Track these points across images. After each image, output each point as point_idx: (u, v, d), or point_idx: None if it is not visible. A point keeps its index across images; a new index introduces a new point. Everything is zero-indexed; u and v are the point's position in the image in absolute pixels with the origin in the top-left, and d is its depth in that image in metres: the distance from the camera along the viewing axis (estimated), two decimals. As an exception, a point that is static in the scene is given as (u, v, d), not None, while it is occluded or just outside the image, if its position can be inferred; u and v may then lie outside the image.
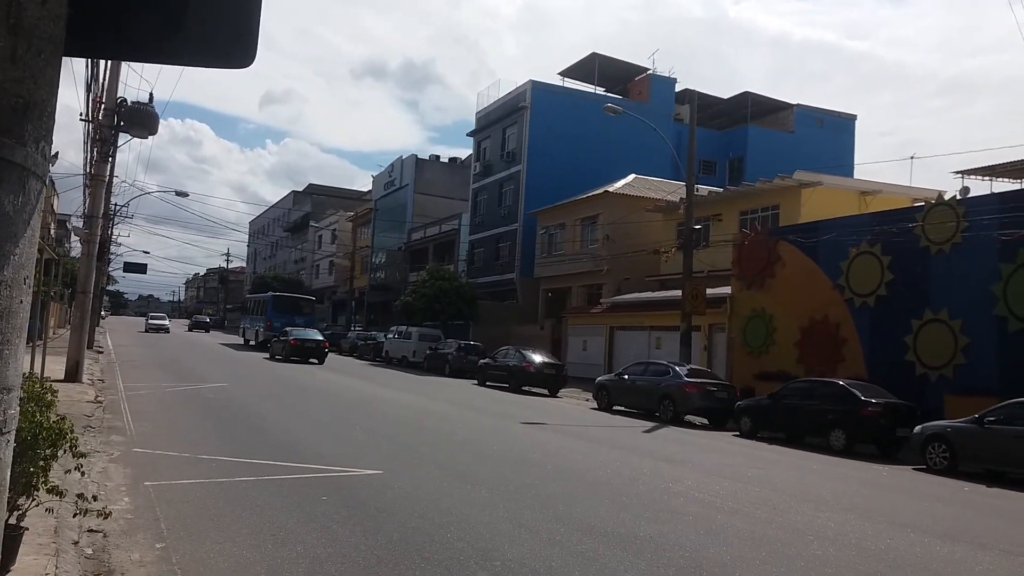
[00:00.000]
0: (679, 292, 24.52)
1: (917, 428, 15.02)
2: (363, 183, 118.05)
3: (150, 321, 58.78)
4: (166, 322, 59.41)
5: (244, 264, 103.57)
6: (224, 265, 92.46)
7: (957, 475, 13.67)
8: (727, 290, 25.98)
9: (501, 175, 45.69)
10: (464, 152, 66.94)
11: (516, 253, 43.25)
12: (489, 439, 14.01)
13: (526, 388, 26.49)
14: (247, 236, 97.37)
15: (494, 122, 46.94)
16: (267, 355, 36.00)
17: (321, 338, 34.72)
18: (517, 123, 44.45)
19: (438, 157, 63.92)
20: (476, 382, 28.86)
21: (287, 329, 34.94)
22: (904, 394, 17.62)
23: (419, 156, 60.66)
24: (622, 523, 7.75)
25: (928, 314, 19.28)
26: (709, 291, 24.63)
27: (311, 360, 33.56)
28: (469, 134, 50.75)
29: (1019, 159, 31.26)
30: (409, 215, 57.12)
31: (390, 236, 59.30)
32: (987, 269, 18.05)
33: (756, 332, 24.30)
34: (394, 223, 58.36)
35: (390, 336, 40.21)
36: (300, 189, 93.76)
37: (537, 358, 26.84)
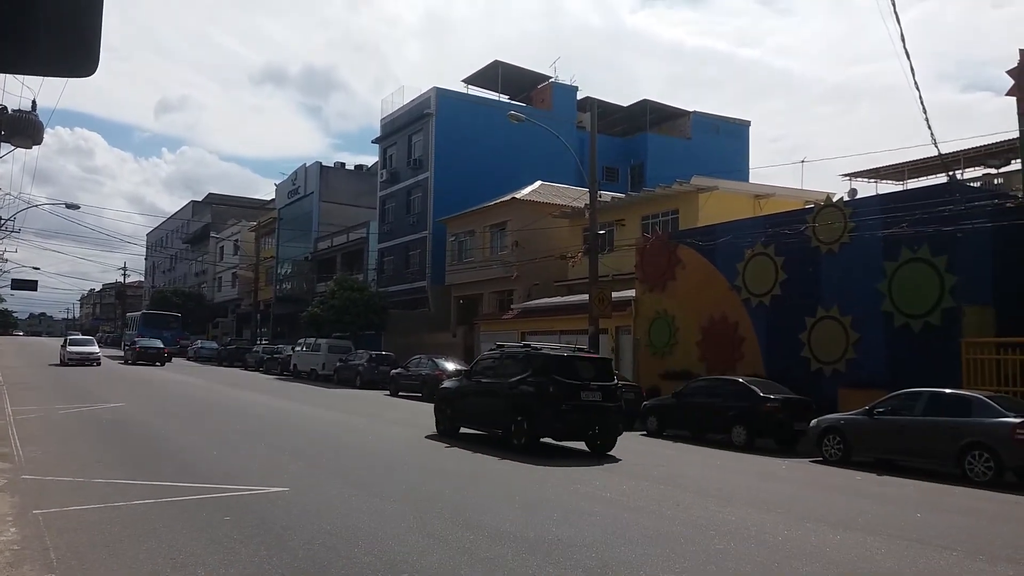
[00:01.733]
0: (587, 296, 24.92)
1: (813, 422, 15.72)
2: (266, 192, 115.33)
3: (71, 348, 39.87)
4: (95, 349, 41.09)
5: (142, 278, 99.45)
6: (121, 280, 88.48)
7: (851, 465, 14.36)
8: (632, 293, 26.57)
9: (408, 182, 45.42)
10: (370, 159, 66.28)
11: (426, 261, 43.05)
12: (400, 450, 13.90)
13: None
14: (145, 249, 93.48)
15: (400, 129, 46.65)
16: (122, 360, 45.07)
17: (162, 346, 44.53)
18: (423, 130, 44.30)
19: (343, 164, 63.04)
20: (388, 393, 28.55)
21: (135, 339, 42.76)
22: (800, 389, 18.41)
23: (324, 163, 59.64)
24: (531, 527, 7.82)
25: (821, 312, 20.21)
26: (615, 294, 25.12)
27: (155, 363, 42.69)
28: (375, 141, 50.25)
29: (900, 162, 33.24)
30: (315, 224, 56.06)
31: (295, 246, 58.03)
32: (873, 267, 19.06)
33: (660, 333, 24.94)
34: (299, 232, 57.15)
35: (298, 349, 39.35)
36: (199, 199, 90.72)
37: (450, 366, 26.76)
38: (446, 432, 15.98)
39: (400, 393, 27.83)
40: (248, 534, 7.12)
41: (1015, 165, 23.81)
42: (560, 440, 14.71)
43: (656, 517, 8.70)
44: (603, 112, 38.39)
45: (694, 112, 49.15)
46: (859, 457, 14.56)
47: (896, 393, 14.92)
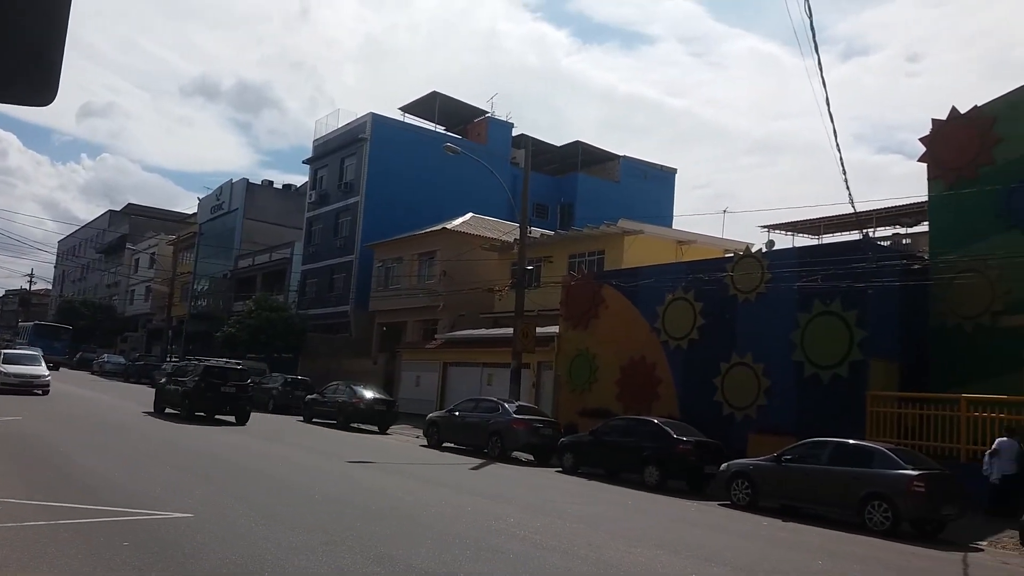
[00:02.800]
0: (511, 330, 25.02)
1: (723, 465, 16.05)
2: (188, 205, 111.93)
3: (6, 368, 27.43)
4: (43, 370, 28.54)
5: (50, 286, 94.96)
6: (27, 287, 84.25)
7: (758, 510, 14.69)
8: (555, 329, 26.81)
9: (338, 205, 44.93)
10: (299, 179, 65.37)
11: (351, 285, 42.49)
12: (311, 479, 13.56)
13: (355, 425, 25.91)
14: (55, 256, 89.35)
15: (332, 151, 46.23)
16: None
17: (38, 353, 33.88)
18: (356, 154, 44.00)
19: (271, 183, 61.90)
20: (302, 419, 27.90)
21: (4, 351, 34.23)
22: (712, 432, 18.81)
23: (251, 180, 58.45)
24: (443, 563, 7.73)
25: (735, 358, 20.78)
26: (539, 330, 25.30)
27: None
28: (306, 161, 49.63)
29: (816, 217, 34.71)
30: (237, 241, 54.76)
31: (215, 263, 56.49)
32: (787, 317, 19.75)
33: (580, 370, 25.18)
34: (220, 249, 55.69)
35: (210, 368, 38.06)
36: (118, 208, 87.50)
37: (368, 394, 26.36)
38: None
39: (314, 420, 27.23)
40: (148, 561, 6.83)
41: (923, 227, 25.16)
42: (210, 414, 24.02)
43: (568, 556, 8.71)
44: (537, 150, 38.94)
45: (623, 156, 50.32)
46: (766, 502, 14.93)
47: (803, 441, 15.39)
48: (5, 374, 26.83)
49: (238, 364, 26.64)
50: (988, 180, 18.21)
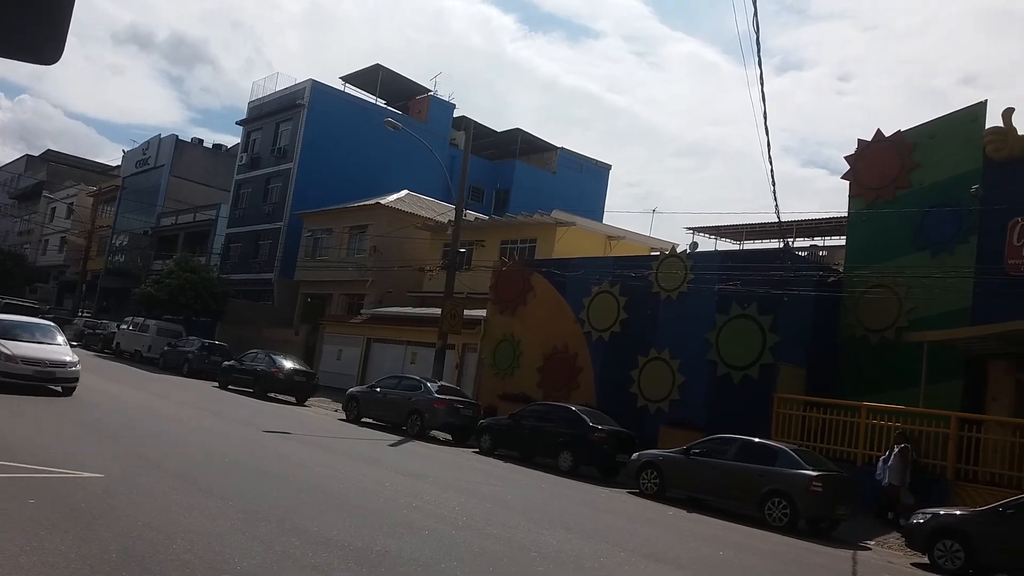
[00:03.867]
0: (439, 310, 25.10)
1: (634, 455, 16.58)
2: (112, 157, 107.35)
3: (12, 348, 16.22)
4: (66, 352, 17.20)
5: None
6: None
7: (665, 500, 15.25)
8: (483, 313, 27.02)
9: (269, 170, 43.97)
10: (230, 139, 63.56)
11: (277, 253, 41.72)
12: (227, 446, 13.44)
13: (272, 395, 25.60)
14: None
15: (268, 115, 45.16)
16: None
17: None
18: (292, 120, 43.10)
19: (201, 141, 60.02)
20: (218, 385, 27.39)
21: None
22: (626, 423, 19.38)
23: (180, 137, 56.58)
24: (359, 537, 7.83)
25: (653, 352, 21.41)
26: (467, 312, 25.45)
27: None
28: (239, 123, 48.32)
29: (740, 224, 35.85)
30: (161, 198, 52.97)
31: (136, 218, 54.53)
32: (705, 318, 20.44)
33: (504, 355, 25.49)
34: (143, 205, 53.76)
35: (124, 327, 36.98)
36: (36, 154, 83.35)
37: (287, 364, 26.05)
38: None
39: (230, 387, 26.77)
40: (55, 520, 6.73)
41: (841, 241, 26.30)
42: None
43: (483, 535, 8.94)
44: (477, 134, 38.92)
45: (561, 148, 50.74)
46: (673, 493, 15.49)
47: (712, 437, 16.05)
48: (9, 357, 16.05)
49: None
50: (904, 203, 19.21)
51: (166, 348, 32.97)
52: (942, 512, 12.43)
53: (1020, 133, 17.93)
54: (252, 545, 6.89)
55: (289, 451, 13.94)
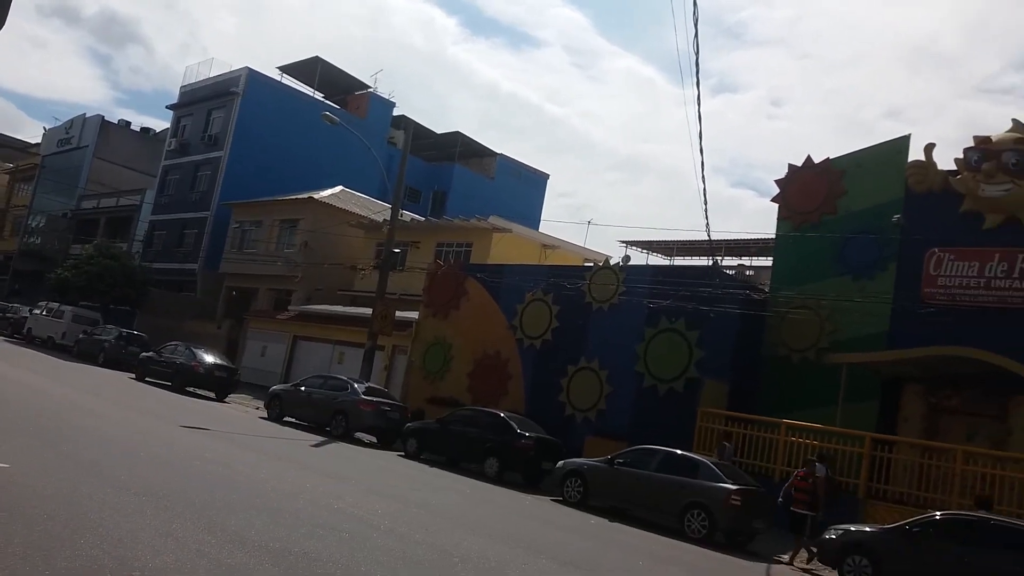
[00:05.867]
0: (369, 310, 24.77)
1: (559, 463, 16.65)
2: (32, 134, 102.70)
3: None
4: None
5: None
6: None
7: (588, 509, 15.33)
8: (415, 315, 26.78)
9: (199, 157, 42.74)
10: (159, 123, 61.65)
11: (203, 243, 40.57)
12: (143, 440, 12.93)
13: (191, 389, 24.81)
14: None
15: (200, 100, 43.92)
16: None
17: None
18: (226, 107, 42.02)
19: (128, 123, 57.92)
20: (134, 376, 26.38)
21: None
22: (553, 431, 19.44)
23: (106, 118, 54.50)
24: (277, 537, 7.62)
25: (583, 362, 21.58)
26: (398, 314, 25.19)
27: None
28: (170, 107, 46.87)
29: (671, 240, 36.54)
30: (83, 180, 50.89)
31: (55, 199, 52.17)
32: (635, 330, 20.72)
33: (435, 358, 25.31)
34: (63, 186, 51.50)
35: (37, 312, 35.36)
36: (-54, 124, 79.17)
37: (208, 358, 25.27)
38: None
39: (147, 379, 25.83)
40: (-47, 512, 6.34)
41: (767, 262, 27.04)
42: None
43: (404, 540, 8.81)
44: (416, 134, 38.61)
45: (500, 154, 50.88)
46: (596, 502, 15.60)
47: (636, 447, 16.24)
48: None
49: None
50: (829, 228, 19.87)
51: (81, 336, 31.66)
52: (853, 528, 12.84)
53: (940, 168, 18.79)
54: (165, 542, 6.63)
55: (207, 448, 13.50)
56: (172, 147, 45.00)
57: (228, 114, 41.64)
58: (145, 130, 58.68)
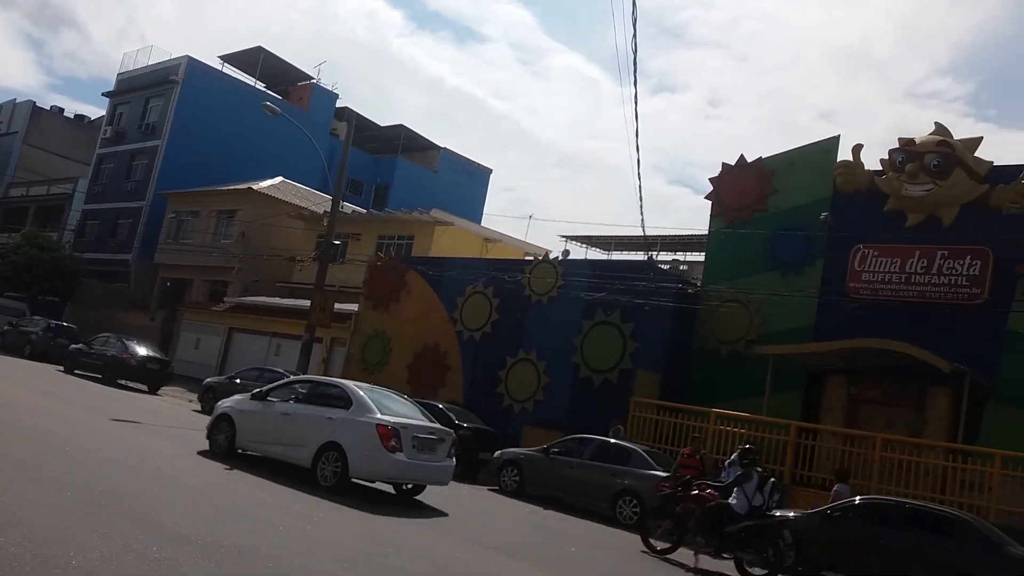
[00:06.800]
0: (308, 302, 24.59)
1: (496, 453, 16.90)
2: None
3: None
4: None
5: None
6: None
7: (524, 497, 15.59)
8: (354, 307, 26.68)
9: (135, 146, 41.68)
10: (93, 111, 59.82)
11: (137, 233, 39.61)
12: (70, 434, 12.68)
13: (123, 382, 24.29)
14: None
15: (138, 88, 42.81)
16: None
17: None
18: (164, 96, 41.06)
19: (62, 110, 56.11)
20: (63, 369, 25.69)
21: None
22: (491, 421, 19.70)
23: (38, 104, 52.66)
24: (210, 532, 7.62)
25: (521, 354, 21.86)
26: (337, 306, 25.07)
27: None
28: (106, 94, 45.55)
29: (609, 235, 37.11)
30: (11, 167, 49.12)
31: (-20, 186, 50.35)
32: (572, 323, 21.07)
33: (375, 350, 25.28)
34: (-11, 173, 49.71)
35: (-42, 303, 34.08)
36: None
37: (140, 350, 24.75)
38: None
39: (76, 371, 25.19)
40: None
41: (700, 257, 27.70)
42: None
43: (338, 533, 8.90)
44: (359, 126, 38.36)
45: (444, 148, 50.79)
46: (532, 490, 15.88)
47: (571, 436, 16.60)
48: None
49: None
50: (759, 225, 20.50)
51: (7, 327, 30.62)
52: (778, 514, 13.36)
53: (867, 168, 19.55)
54: (91, 538, 6.58)
55: (138, 441, 13.32)
56: (107, 135, 43.78)
57: (167, 103, 40.71)
58: (79, 117, 56.94)
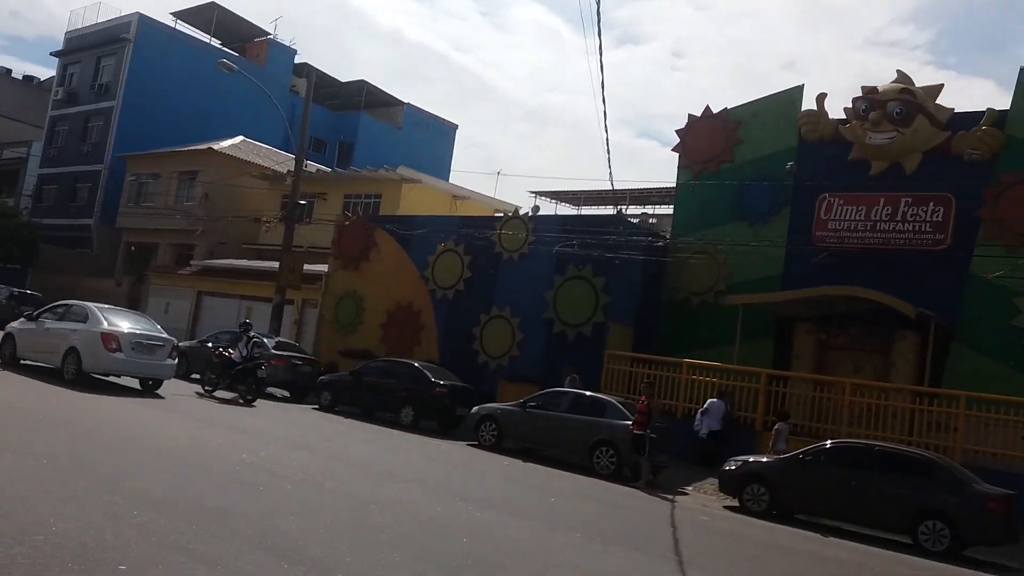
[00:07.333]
0: (276, 264, 24.33)
1: (474, 409, 17.00)
2: None
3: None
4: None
5: None
6: None
7: (502, 451, 15.75)
8: (324, 267, 26.45)
9: (89, 107, 40.46)
10: (44, 72, 57.87)
11: (97, 197, 38.68)
12: (38, 404, 12.50)
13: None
14: None
15: (88, 47, 41.38)
16: None
17: None
18: (116, 55, 39.76)
19: (10, 71, 54.19)
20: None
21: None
22: (467, 378, 19.73)
23: (-17, 65, 50.78)
24: (189, 494, 7.60)
25: (495, 311, 21.87)
26: (307, 267, 24.83)
27: None
28: (55, 54, 44.03)
29: (578, 190, 37.04)
30: (-42, 132, 47.52)
31: (-72, 153, 48.68)
32: (544, 278, 21.10)
33: (347, 311, 25.14)
34: (-64, 138, 48.05)
35: (-87, 274, 33.19)
36: None
37: (109, 317, 24.36)
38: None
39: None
40: None
41: (669, 210, 27.75)
42: None
43: (319, 490, 8.93)
44: (319, 83, 37.54)
45: (408, 104, 50.02)
46: (510, 444, 16.04)
47: (547, 390, 16.75)
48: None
49: None
50: (726, 176, 20.57)
51: (-33, 298, 29.94)
52: (751, 459, 13.68)
53: (831, 117, 19.65)
54: (68, 507, 6.51)
55: (110, 408, 13.18)
56: (59, 96, 42.41)
57: (119, 62, 39.45)
58: (29, 78, 55.08)
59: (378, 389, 18.46)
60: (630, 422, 14.42)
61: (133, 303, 32.87)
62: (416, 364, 18.96)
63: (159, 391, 16.19)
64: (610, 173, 23.32)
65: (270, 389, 20.33)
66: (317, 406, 19.11)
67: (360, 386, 18.78)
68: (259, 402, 17.98)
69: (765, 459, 13.70)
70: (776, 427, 15.34)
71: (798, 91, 20.45)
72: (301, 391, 20.35)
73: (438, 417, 17.99)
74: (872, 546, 11.51)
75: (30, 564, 4.97)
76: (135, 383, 16.10)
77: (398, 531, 7.52)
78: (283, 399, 20.17)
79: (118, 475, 8.02)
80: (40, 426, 10.35)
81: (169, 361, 15.86)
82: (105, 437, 10.41)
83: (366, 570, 5.99)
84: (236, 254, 32.44)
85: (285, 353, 20.39)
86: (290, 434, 13.75)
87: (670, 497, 13.35)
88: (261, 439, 12.34)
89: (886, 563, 10.45)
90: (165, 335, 16.19)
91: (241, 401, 17.00)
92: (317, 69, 34.58)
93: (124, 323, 15.68)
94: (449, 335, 22.72)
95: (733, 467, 13.53)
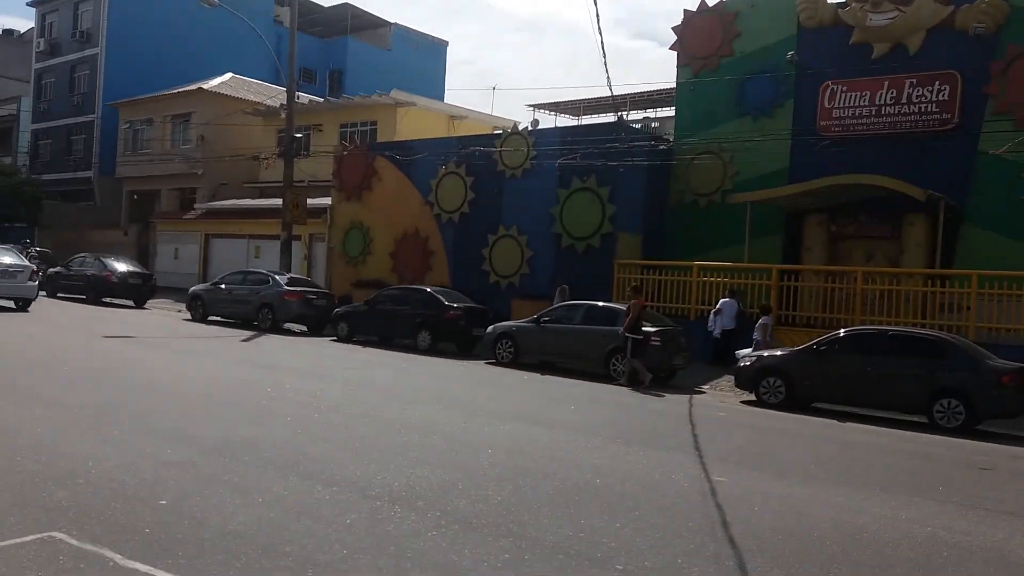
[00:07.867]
0: (279, 201, 24.26)
1: (489, 328, 17.19)
2: None
3: None
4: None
5: None
6: None
7: (520, 366, 15.99)
8: (328, 201, 26.35)
9: (73, 57, 39.68)
10: (22, 23, 56.49)
11: (93, 148, 38.36)
12: (66, 355, 12.75)
13: (108, 300, 24.20)
14: None
15: (64, -7, 40.34)
16: None
17: None
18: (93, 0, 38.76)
19: (-11, 26, 53.06)
20: (45, 294, 25.48)
21: None
22: (480, 299, 19.88)
23: (-42, 21, 49.64)
24: (218, 429, 7.82)
25: (502, 230, 21.84)
26: (310, 201, 24.75)
27: None
28: (31, 3, 42.94)
29: (577, 99, 36.30)
30: (-57, 92, 46.84)
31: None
32: (549, 193, 20.96)
33: (355, 242, 25.18)
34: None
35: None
36: None
37: (120, 267, 24.54)
38: None
39: (60, 294, 25.02)
40: None
41: (671, 112, 27.26)
42: None
43: (347, 416, 9.14)
44: (303, 9, 36.51)
45: (395, 24, 48.71)
46: (527, 359, 16.28)
47: (559, 304, 16.86)
48: None
49: None
50: (727, 70, 20.11)
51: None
52: (765, 354, 13.84)
53: (829, 2, 19.02)
54: (105, 449, 6.74)
55: (133, 355, 13.42)
56: (41, 48, 41.54)
57: (97, 6, 38.43)
58: (8, 32, 53.89)
59: (394, 317, 18.64)
60: (644, 328, 14.54)
61: (142, 251, 33.10)
62: (429, 289, 19.08)
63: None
64: (608, 78, 22.82)
65: (288, 324, 20.59)
66: (335, 338, 19.36)
67: (376, 315, 18.97)
68: (276, 338, 18.22)
69: (779, 352, 13.84)
70: (760, 321, 15.45)
71: (795, -25, 19.75)
72: (318, 325, 20.58)
73: (455, 339, 18.20)
74: (889, 427, 11.74)
75: (76, 508, 5.16)
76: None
77: (425, 448, 7.74)
78: (301, 334, 20.43)
79: (149, 415, 8.23)
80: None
81: (31, 283, 19.33)
82: (130, 381, 10.63)
83: (396, 485, 6.19)
84: (238, 194, 32.34)
85: (299, 288, 20.55)
86: (311, 366, 13.99)
87: (663, 394, 13.60)
88: (283, 372, 12.58)
89: (902, 442, 10.68)
90: (25, 263, 19.65)
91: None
92: (299, -3, 33.62)
93: None
94: (459, 258, 22.77)
95: (748, 363, 13.70)
